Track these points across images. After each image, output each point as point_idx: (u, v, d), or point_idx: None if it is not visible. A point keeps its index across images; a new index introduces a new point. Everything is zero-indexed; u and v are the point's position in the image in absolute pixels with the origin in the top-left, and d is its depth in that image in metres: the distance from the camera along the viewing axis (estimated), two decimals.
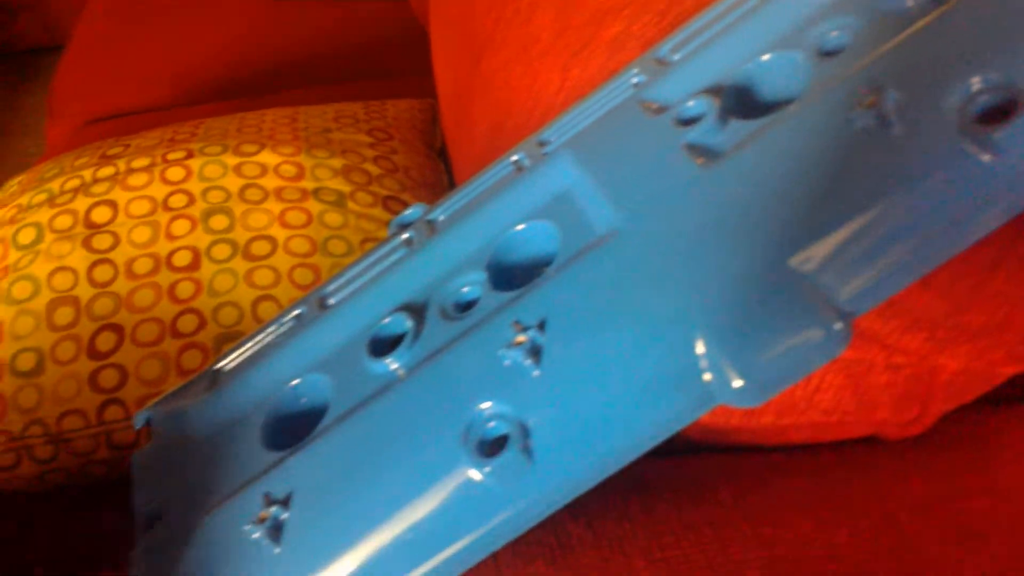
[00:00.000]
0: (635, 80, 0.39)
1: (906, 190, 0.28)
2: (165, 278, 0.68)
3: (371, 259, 0.42)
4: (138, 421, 0.43)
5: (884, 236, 0.29)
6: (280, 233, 0.71)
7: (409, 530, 0.32)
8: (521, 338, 0.33)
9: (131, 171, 0.74)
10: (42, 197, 0.74)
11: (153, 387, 0.64)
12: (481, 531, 0.32)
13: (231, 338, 0.66)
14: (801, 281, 0.29)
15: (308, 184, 0.75)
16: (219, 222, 0.71)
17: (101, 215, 0.71)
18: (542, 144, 0.40)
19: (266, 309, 0.67)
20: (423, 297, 0.39)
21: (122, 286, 0.67)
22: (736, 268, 0.30)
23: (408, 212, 0.44)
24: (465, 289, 0.38)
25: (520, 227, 0.38)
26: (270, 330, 0.43)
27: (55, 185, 0.75)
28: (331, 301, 0.42)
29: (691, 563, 0.37)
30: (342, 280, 0.43)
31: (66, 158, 0.81)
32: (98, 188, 0.73)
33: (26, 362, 0.64)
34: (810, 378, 0.41)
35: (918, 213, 0.29)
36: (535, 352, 0.32)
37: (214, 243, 0.70)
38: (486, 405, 0.32)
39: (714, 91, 0.36)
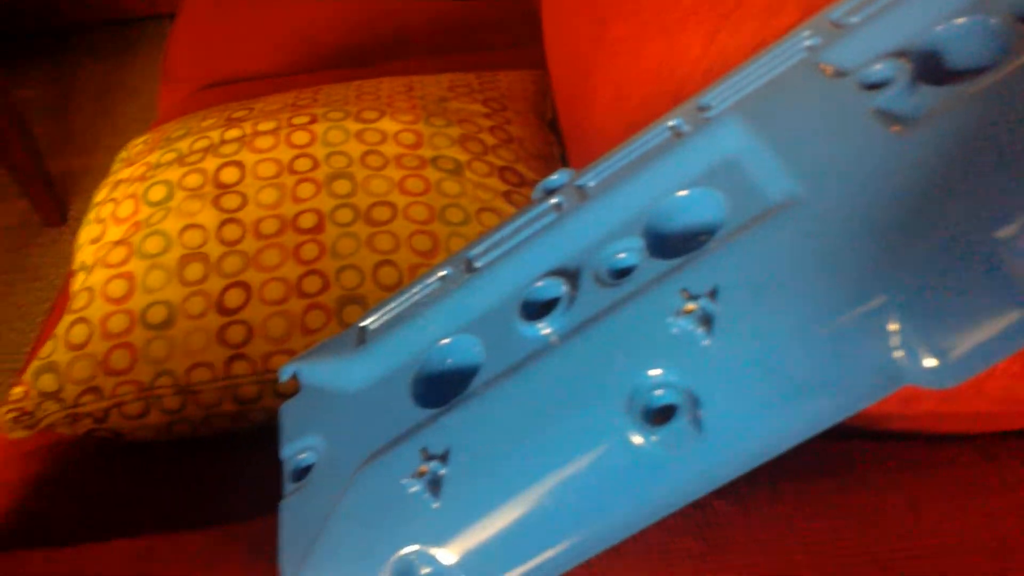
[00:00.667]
0: (808, 43, 0.38)
1: None
2: (291, 239, 0.69)
3: (518, 223, 0.42)
4: (284, 373, 0.44)
5: None
6: (400, 199, 0.71)
7: (569, 494, 0.32)
8: (691, 306, 0.32)
9: (258, 134, 0.75)
10: (171, 156, 0.76)
11: (278, 345, 0.66)
12: (643, 501, 0.32)
13: (353, 300, 0.67)
14: (1006, 255, 0.27)
15: (426, 152, 0.75)
16: (342, 187, 0.72)
17: (230, 175, 0.73)
18: (703, 109, 0.39)
19: (386, 274, 0.68)
20: (576, 262, 0.38)
21: (250, 245, 0.69)
22: (934, 241, 0.28)
23: (554, 177, 0.44)
24: (621, 255, 0.37)
25: (682, 193, 0.37)
26: (415, 291, 0.43)
27: (183, 145, 0.77)
28: (478, 264, 0.42)
29: (849, 551, 0.36)
30: (488, 243, 0.43)
31: (191, 119, 0.83)
32: (226, 149, 0.74)
33: (157, 315, 0.66)
34: None
35: None
36: (706, 321, 0.31)
37: (337, 207, 0.71)
38: (654, 373, 0.31)
39: (902, 55, 0.34)
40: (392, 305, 0.44)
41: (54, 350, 0.66)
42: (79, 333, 0.67)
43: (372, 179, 0.72)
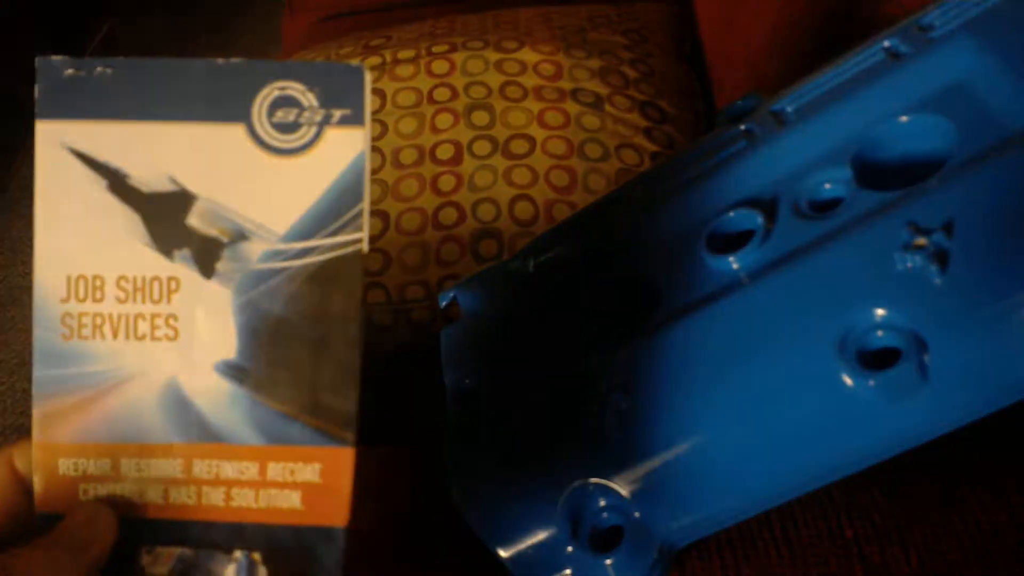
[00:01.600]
0: None
1: None
2: (428, 170, 0.68)
3: (702, 150, 0.39)
4: (444, 298, 0.43)
5: None
6: (539, 133, 0.69)
7: (764, 436, 0.30)
8: (922, 240, 0.29)
9: (398, 62, 0.74)
10: None
11: (413, 275, 0.65)
12: (854, 447, 0.29)
13: (488, 234, 0.66)
14: None
15: (566, 84, 0.72)
16: (480, 118, 0.70)
17: (371, 104, 0.72)
18: (924, 29, 0.35)
19: (523, 208, 0.66)
20: (770, 193, 0.36)
21: (389, 174, 0.68)
22: None
23: (740, 103, 0.41)
24: (827, 186, 0.34)
25: (902, 119, 0.33)
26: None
27: None
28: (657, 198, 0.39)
29: None
30: (668, 168, 0.40)
31: (328, 47, 0.82)
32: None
33: None
34: None
35: None
36: (940, 258, 0.28)
37: (475, 139, 0.69)
38: (877, 312, 0.29)
39: None
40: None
41: None
42: None
43: (511, 111, 0.70)
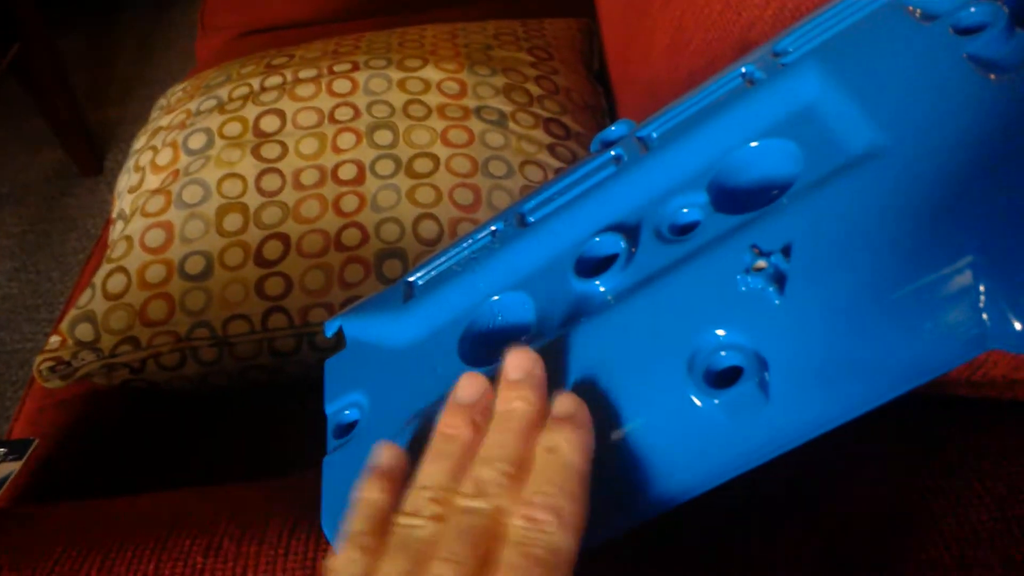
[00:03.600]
0: None
1: None
2: (331, 190, 0.68)
3: (574, 176, 0.40)
4: (330, 329, 0.43)
5: None
6: (442, 151, 0.70)
7: (627, 456, 0.30)
8: (762, 263, 0.30)
9: (298, 81, 0.73)
10: (211, 103, 0.74)
11: (316, 297, 0.65)
12: (703, 467, 0.30)
13: (392, 254, 0.66)
14: None
15: (470, 102, 0.73)
16: (383, 137, 0.70)
17: (270, 124, 0.71)
18: (778, 55, 0.36)
19: (426, 227, 0.66)
20: (635, 218, 0.36)
21: (289, 196, 0.68)
22: None
23: (613, 128, 0.42)
24: (684, 211, 0.35)
25: (753, 145, 0.35)
26: (464, 245, 0.42)
27: (224, 92, 0.75)
28: (531, 219, 0.40)
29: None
30: (542, 197, 0.40)
31: (231, 66, 0.81)
32: (267, 97, 0.73)
33: (195, 265, 0.66)
34: None
35: None
36: (779, 279, 0.29)
37: (378, 158, 0.69)
38: (719, 333, 0.30)
39: None
40: (441, 260, 0.42)
41: (91, 299, 0.66)
42: (116, 282, 0.66)
43: (414, 129, 0.70)
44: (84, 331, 0.66)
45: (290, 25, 1.18)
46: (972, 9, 0.31)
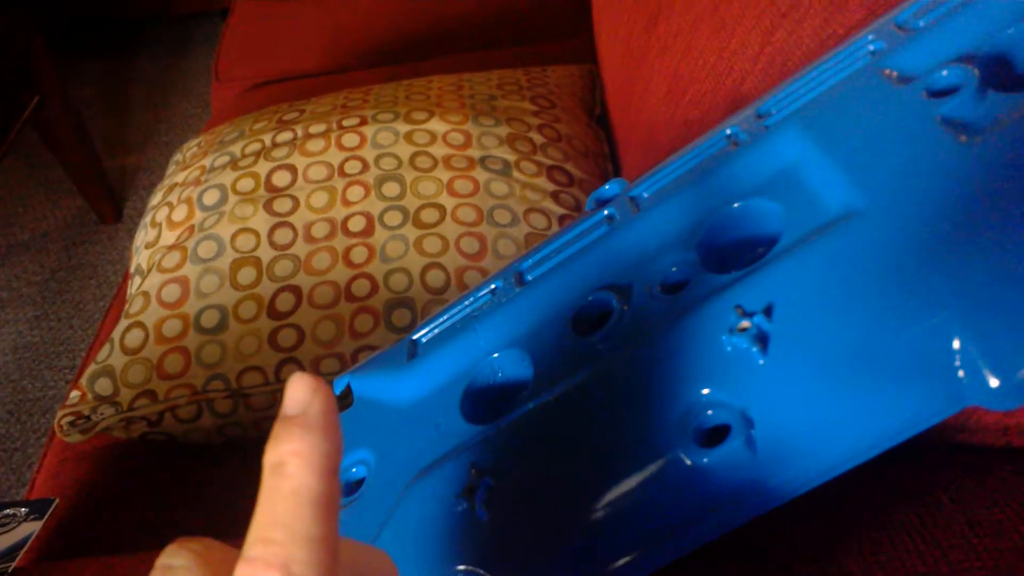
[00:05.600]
0: (872, 47, 0.36)
1: None
2: (341, 243, 0.69)
3: (570, 235, 0.42)
4: (338, 386, 0.44)
5: None
6: (448, 201, 0.71)
7: (622, 516, 0.31)
8: (745, 324, 0.31)
9: (309, 136, 0.76)
10: (225, 160, 0.77)
11: (327, 348, 0.66)
12: (695, 523, 0.31)
13: (401, 304, 0.67)
14: None
15: (475, 152, 0.75)
16: (391, 189, 0.72)
17: (281, 179, 0.73)
18: (761, 116, 0.38)
19: (434, 276, 0.68)
20: (627, 276, 0.38)
21: (301, 249, 0.69)
22: (1001, 256, 0.27)
23: (607, 187, 0.43)
24: (673, 269, 0.36)
25: (736, 205, 0.36)
26: (467, 303, 0.43)
27: (236, 148, 0.78)
28: (529, 277, 0.41)
29: (907, 569, 0.35)
30: (540, 256, 0.42)
31: (244, 121, 0.84)
32: (278, 152, 0.75)
33: (210, 319, 0.67)
34: None
35: None
36: (761, 339, 0.30)
37: (386, 209, 0.71)
38: (707, 392, 0.31)
39: (968, 60, 0.32)
40: (444, 318, 0.44)
41: (110, 354, 0.68)
42: (134, 337, 0.68)
43: (421, 181, 0.72)
44: (103, 385, 0.67)
45: (301, 76, 1.21)
46: (944, 72, 0.32)
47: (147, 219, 0.77)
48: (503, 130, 0.77)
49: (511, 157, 0.75)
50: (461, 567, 0.33)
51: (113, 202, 1.81)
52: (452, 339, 0.41)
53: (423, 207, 0.71)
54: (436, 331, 0.43)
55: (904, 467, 0.40)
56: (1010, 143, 0.29)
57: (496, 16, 1.27)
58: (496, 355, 0.39)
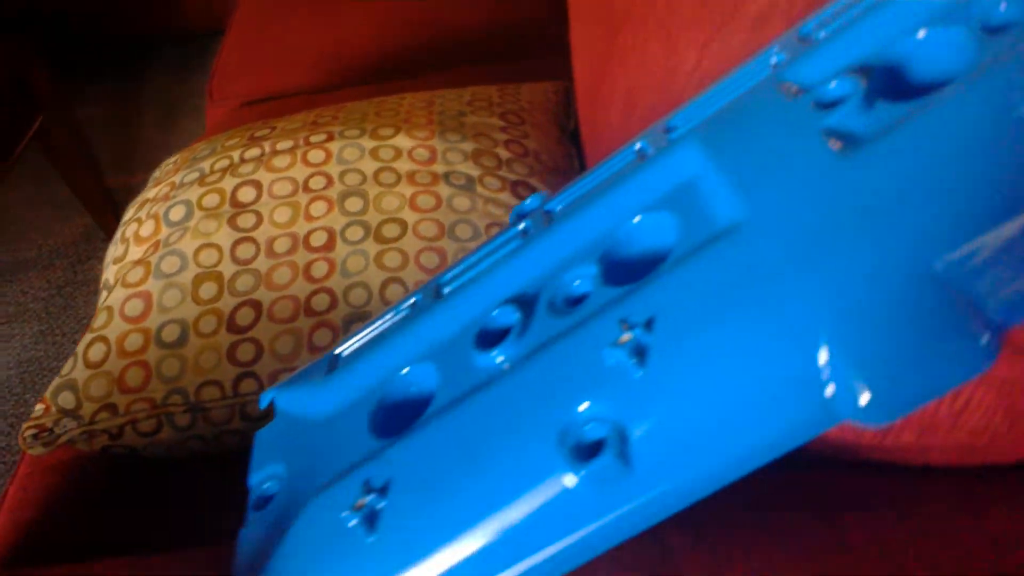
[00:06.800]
0: (774, 60, 0.36)
1: None
2: (302, 257, 0.70)
3: (488, 249, 0.41)
4: (263, 400, 0.44)
5: None
6: (410, 216, 0.71)
7: (501, 532, 0.31)
8: (626, 336, 0.31)
9: (276, 152, 0.76)
10: (194, 176, 0.78)
11: (285, 363, 0.67)
12: (573, 539, 0.30)
13: (360, 318, 0.67)
14: (944, 286, 0.25)
15: (439, 168, 0.75)
16: (354, 204, 0.72)
17: (246, 195, 0.74)
18: (668, 130, 0.38)
19: (393, 291, 0.68)
20: (535, 289, 0.37)
21: (262, 264, 0.70)
22: (871, 269, 0.27)
23: (528, 201, 0.43)
24: (576, 283, 0.36)
25: (637, 219, 0.36)
26: (387, 317, 0.43)
27: (207, 164, 0.78)
28: (446, 290, 0.41)
29: None
30: (459, 269, 0.42)
31: (219, 138, 0.85)
32: (245, 168, 0.76)
33: (171, 334, 0.68)
34: (957, 394, 0.36)
35: None
36: (640, 352, 0.30)
37: (348, 224, 0.71)
38: (585, 406, 0.30)
39: (861, 71, 0.32)
40: (366, 331, 0.44)
41: (73, 367, 0.68)
42: (97, 351, 0.68)
43: (384, 196, 0.73)
44: (66, 399, 0.68)
45: (289, 94, 1.22)
46: (833, 84, 0.32)
47: (118, 234, 0.78)
48: (469, 145, 0.77)
49: (475, 172, 0.75)
50: None
51: (119, 220, 1.83)
52: (368, 353, 0.41)
53: (385, 222, 0.71)
54: (357, 345, 0.43)
55: (813, 482, 0.39)
56: (894, 153, 0.29)
57: (488, 33, 1.28)
58: (406, 370, 0.39)
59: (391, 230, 0.71)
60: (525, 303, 0.37)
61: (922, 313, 0.26)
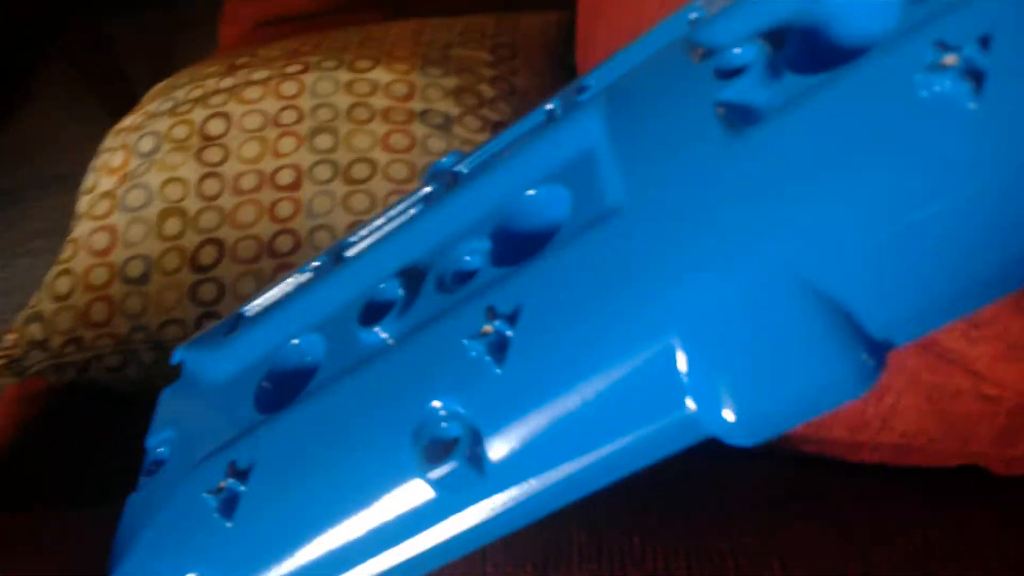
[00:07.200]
0: (693, 15, 0.32)
1: (979, 184, 0.21)
2: (268, 196, 0.68)
3: (393, 211, 0.38)
4: (174, 358, 0.42)
5: (943, 245, 0.21)
6: (381, 157, 0.68)
7: (354, 530, 0.29)
8: (488, 328, 0.28)
9: (249, 83, 0.73)
10: (167, 106, 0.75)
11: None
12: (424, 543, 0.28)
13: None
14: (819, 296, 0.22)
15: (416, 105, 0.71)
16: (324, 141, 0.69)
17: (216, 127, 0.71)
18: (580, 90, 0.34)
19: None
20: (427, 261, 0.35)
21: (227, 201, 0.68)
22: (741, 272, 0.23)
23: (445, 160, 0.40)
24: (467, 258, 0.33)
25: (531, 192, 0.32)
26: (290, 280, 0.41)
27: (181, 93, 0.76)
28: (346, 255, 0.39)
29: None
30: (363, 232, 0.39)
31: (201, 65, 0.82)
32: (216, 99, 0.73)
33: (135, 269, 0.67)
34: (882, 396, 0.33)
35: (997, 217, 0.21)
36: (500, 347, 0.27)
37: (317, 163, 0.68)
38: (443, 401, 0.28)
39: (774, 34, 0.28)
40: (272, 292, 0.41)
41: (40, 299, 0.68)
42: (63, 284, 0.68)
43: (355, 134, 0.70)
44: (35, 330, 0.68)
45: (300, 17, 1.18)
46: (737, 50, 0.28)
47: (93, 163, 0.76)
48: (451, 81, 0.73)
49: (454, 111, 0.71)
50: (192, 575, 0.31)
51: None
52: (266, 317, 0.39)
53: (355, 162, 0.68)
54: (261, 307, 0.41)
55: (738, 475, 0.37)
56: (789, 133, 0.25)
57: None
58: (296, 340, 0.37)
59: (360, 171, 0.68)
60: (414, 276, 0.34)
61: (796, 325, 0.23)
